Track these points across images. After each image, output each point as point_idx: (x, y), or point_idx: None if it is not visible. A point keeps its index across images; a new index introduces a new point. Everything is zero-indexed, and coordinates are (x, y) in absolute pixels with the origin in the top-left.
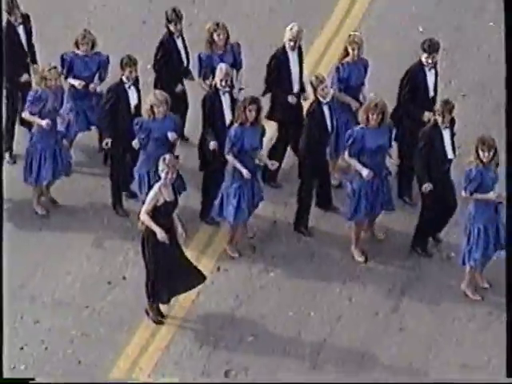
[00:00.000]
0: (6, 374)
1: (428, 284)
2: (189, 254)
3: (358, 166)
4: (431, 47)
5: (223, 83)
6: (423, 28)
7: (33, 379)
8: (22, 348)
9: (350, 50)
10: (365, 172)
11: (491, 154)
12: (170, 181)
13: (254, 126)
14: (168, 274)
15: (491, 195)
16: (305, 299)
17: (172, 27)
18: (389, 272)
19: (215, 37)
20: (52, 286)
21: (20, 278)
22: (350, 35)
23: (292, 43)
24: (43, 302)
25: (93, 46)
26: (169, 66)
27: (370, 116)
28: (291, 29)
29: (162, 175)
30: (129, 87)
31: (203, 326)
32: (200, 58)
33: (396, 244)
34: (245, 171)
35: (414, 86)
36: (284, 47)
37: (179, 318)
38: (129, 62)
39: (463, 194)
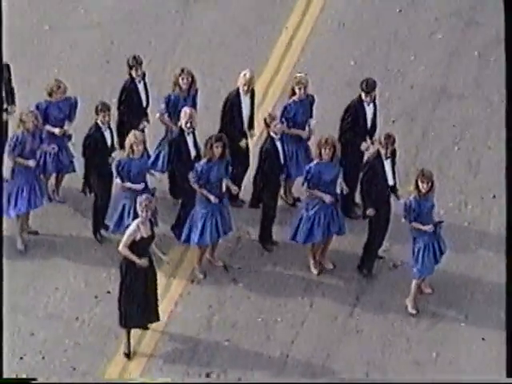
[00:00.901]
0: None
1: (379, 290)
2: (165, 268)
3: (319, 194)
4: (369, 86)
5: (188, 125)
6: (354, 62)
7: (35, 379)
8: (21, 358)
9: (296, 90)
10: (327, 198)
11: (429, 185)
12: (147, 218)
13: (220, 160)
14: (137, 304)
15: (427, 227)
16: (271, 306)
17: (133, 72)
18: (344, 280)
19: (180, 80)
20: (44, 302)
21: (14, 295)
22: (296, 76)
23: (245, 87)
24: (37, 315)
25: (64, 93)
26: (130, 108)
27: (323, 151)
28: (245, 75)
29: (139, 213)
30: (105, 130)
31: (182, 334)
32: (168, 99)
33: (349, 255)
34: (212, 197)
35: (354, 119)
36: (238, 90)
37: (161, 326)
38: (103, 108)
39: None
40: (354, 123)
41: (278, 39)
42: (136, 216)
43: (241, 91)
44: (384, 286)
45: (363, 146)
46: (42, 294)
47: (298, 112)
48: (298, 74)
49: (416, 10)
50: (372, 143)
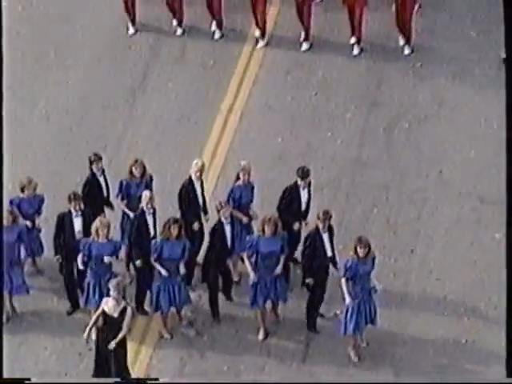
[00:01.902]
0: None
1: (326, 337)
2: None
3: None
4: (304, 173)
5: (148, 206)
6: (281, 139)
7: (28, 379)
8: None
9: (241, 176)
10: (278, 270)
11: (366, 249)
12: (119, 296)
13: (177, 240)
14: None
15: (348, 301)
16: (234, 355)
17: (94, 167)
18: (295, 329)
19: (133, 169)
20: (33, 360)
21: (8, 356)
22: (240, 163)
23: (198, 174)
24: (29, 371)
25: (35, 189)
26: (93, 198)
27: (266, 227)
28: (196, 163)
29: (111, 292)
30: (75, 216)
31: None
32: (121, 185)
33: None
34: (163, 271)
35: (289, 201)
36: (190, 178)
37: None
38: (74, 197)
39: (342, 279)
40: (289, 205)
41: (214, 121)
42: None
43: (193, 178)
44: (330, 333)
45: (295, 225)
46: (32, 353)
47: (242, 195)
48: (242, 162)
49: (328, 93)
50: (305, 224)
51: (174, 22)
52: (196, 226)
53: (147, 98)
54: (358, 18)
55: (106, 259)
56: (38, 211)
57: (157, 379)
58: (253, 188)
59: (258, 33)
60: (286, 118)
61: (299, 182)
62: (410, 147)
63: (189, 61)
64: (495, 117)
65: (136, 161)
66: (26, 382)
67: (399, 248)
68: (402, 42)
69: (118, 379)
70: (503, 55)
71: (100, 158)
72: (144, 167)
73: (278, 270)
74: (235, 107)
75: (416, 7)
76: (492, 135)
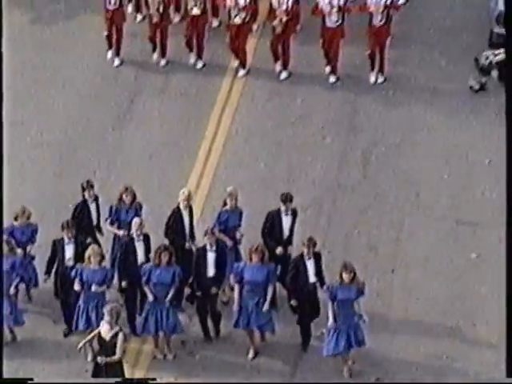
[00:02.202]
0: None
1: (314, 356)
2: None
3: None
4: (285, 198)
5: (138, 232)
6: (264, 164)
7: (31, 379)
8: None
9: (228, 201)
10: (266, 306)
11: (351, 275)
12: (112, 321)
13: (167, 267)
14: None
15: (330, 323)
16: (224, 374)
17: (86, 194)
18: (284, 348)
19: (124, 196)
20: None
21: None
22: (227, 189)
23: (185, 202)
24: None
25: (28, 218)
26: (83, 224)
27: (253, 256)
28: (183, 192)
29: (105, 317)
30: (67, 244)
31: None
32: (111, 210)
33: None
34: (150, 296)
35: (271, 226)
36: (178, 206)
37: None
38: (67, 225)
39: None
40: (271, 230)
41: (199, 147)
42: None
43: (181, 206)
44: (317, 351)
45: (278, 250)
46: (30, 373)
47: (229, 220)
48: (229, 188)
49: (307, 120)
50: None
51: (155, 56)
52: (187, 245)
53: (134, 126)
54: (335, 50)
55: (94, 288)
56: (32, 240)
57: (154, 379)
58: (241, 213)
59: (237, 63)
60: (267, 144)
61: (282, 207)
62: (387, 171)
63: (172, 90)
64: (466, 141)
65: (126, 188)
66: (29, 382)
67: (380, 268)
68: (375, 71)
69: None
70: (470, 83)
71: (92, 186)
72: (134, 194)
73: (266, 306)
74: (219, 134)
75: (388, 39)
76: (464, 158)
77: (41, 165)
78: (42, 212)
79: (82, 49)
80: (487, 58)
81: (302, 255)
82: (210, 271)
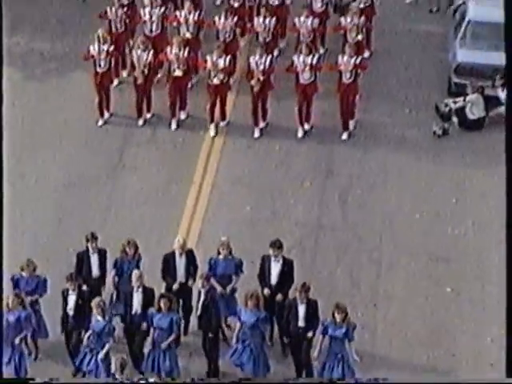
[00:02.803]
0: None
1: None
2: None
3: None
4: (275, 245)
5: (137, 283)
6: (250, 207)
7: (33, 379)
8: None
9: (220, 251)
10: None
11: (343, 315)
12: (117, 373)
13: (167, 313)
14: None
15: (315, 354)
16: None
17: (89, 245)
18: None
19: (127, 249)
20: None
21: None
22: (220, 239)
23: (180, 250)
24: None
25: (34, 271)
26: (83, 275)
27: (249, 302)
28: (178, 240)
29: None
30: (70, 294)
31: None
32: (115, 263)
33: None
34: (149, 339)
35: (261, 269)
36: (173, 252)
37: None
38: (70, 278)
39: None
40: (262, 273)
41: (188, 193)
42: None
43: (176, 253)
44: None
45: (265, 291)
46: None
47: (221, 268)
48: (223, 238)
49: (286, 166)
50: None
51: (140, 122)
52: (175, 286)
53: (127, 174)
54: (308, 103)
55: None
56: (39, 291)
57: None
58: (235, 263)
59: (218, 118)
60: (251, 189)
61: (271, 252)
62: (364, 211)
63: (160, 141)
64: (433, 182)
65: (129, 242)
66: (30, 381)
67: (364, 303)
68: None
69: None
70: (434, 128)
71: (96, 238)
72: (136, 246)
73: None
74: (206, 180)
75: (357, 96)
76: (432, 198)
77: (41, 213)
78: (42, 260)
79: (74, 104)
80: (447, 105)
81: (294, 299)
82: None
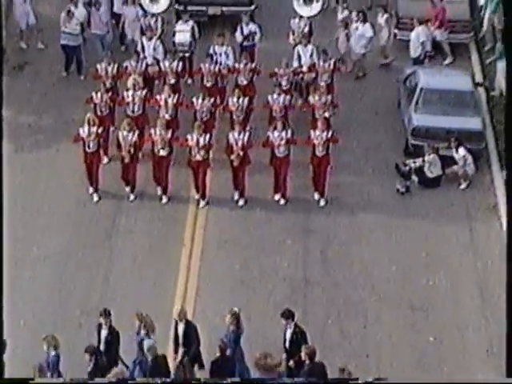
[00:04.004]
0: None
1: None
2: None
3: None
4: (285, 315)
5: (149, 353)
6: (239, 266)
7: (32, 379)
8: None
9: (227, 321)
10: None
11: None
12: None
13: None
14: None
15: None
16: None
17: (101, 320)
18: None
19: (137, 324)
20: None
21: None
22: (230, 310)
23: (179, 316)
24: None
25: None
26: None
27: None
28: (177, 309)
29: None
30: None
31: None
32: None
33: None
34: None
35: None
36: (176, 321)
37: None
38: (104, 314)
39: None
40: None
41: (181, 255)
42: None
43: (177, 319)
44: None
45: (283, 356)
46: None
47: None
48: (235, 308)
49: (268, 226)
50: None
51: (132, 197)
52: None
53: (122, 237)
54: (284, 175)
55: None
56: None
57: None
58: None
59: (197, 196)
60: (238, 249)
61: (283, 321)
62: (344, 266)
63: (149, 205)
64: (402, 236)
65: (138, 315)
66: (30, 382)
67: (356, 354)
68: (317, 195)
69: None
70: (397, 186)
71: (108, 314)
72: (145, 320)
73: None
74: (195, 242)
75: (329, 167)
76: (404, 251)
77: (43, 279)
78: (45, 326)
79: (64, 174)
80: (406, 165)
81: (300, 359)
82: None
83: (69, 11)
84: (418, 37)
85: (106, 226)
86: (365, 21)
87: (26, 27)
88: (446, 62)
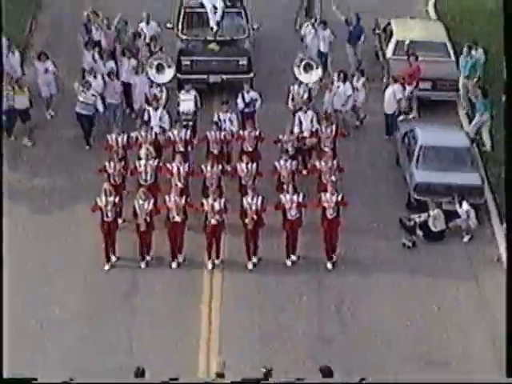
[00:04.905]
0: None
1: None
2: None
3: None
4: (323, 372)
5: None
6: (258, 325)
7: (35, 379)
8: None
9: None
10: None
11: None
12: None
13: None
14: None
15: None
16: None
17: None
18: None
19: None
20: None
21: None
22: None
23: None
24: None
25: None
26: None
27: None
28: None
29: None
30: None
31: None
32: None
33: None
34: None
35: None
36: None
37: None
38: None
39: None
40: None
41: (200, 317)
42: None
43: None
44: None
45: None
46: None
47: None
48: (267, 366)
49: (282, 285)
50: None
51: (143, 265)
52: None
53: (140, 301)
54: (295, 236)
55: None
56: None
57: None
58: None
59: (212, 259)
60: (255, 307)
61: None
62: (360, 321)
63: (165, 269)
64: (411, 291)
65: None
66: (33, 382)
67: None
68: (328, 256)
69: None
70: (403, 241)
71: (142, 375)
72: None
73: None
74: (213, 300)
75: (339, 228)
76: (419, 307)
77: (66, 341)
78: None
79: (80, 236)
80: (410, 219)
81: None
82: None
83: (86, 82)
84: (394, 94)
85: (123, 290)
86: (345, 80)
87: (49, 96)
88: (410, 116)
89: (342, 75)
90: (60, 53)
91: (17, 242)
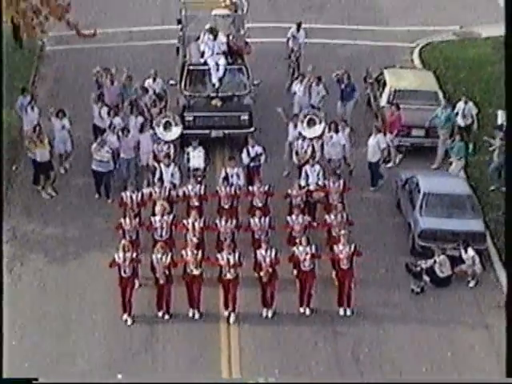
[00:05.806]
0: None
1: None
2: None
3: None
4: None
5: None
6: (278, 371)
7: (36, 379)
8: None
9: None
10: None
11: None
12: None
13: None
14: None
15: None
16: None
17: None
18: None
19: None
20: None
21: None
22: None
23: None
24: None
25: None
26: None
27: None
28: None
29: None
30: None
31: None
32: None
33: None
34: None
35: None
36: None
37: None
38: None
39: None
40: None
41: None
42: None
43: None
44: None
45: None
46: None
47: None
48: None
49: (297, 333)
50: None
51: (164, 312)
52: None
53: (160, 353)
54: (309, 288)
55: None
56: None
57: None
58: None
59: (228, 311)
60: (274, 356)
61: None
62: (376, 367)
63: (183, 323)
64: (423, 334)
65: None
66: (34, 382)
67: None
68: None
69: None
70: (412, 286)
71: None
72: None
73: None
74: (232, 352)
75: (353, 280)
76: (433, 352)
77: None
78: None
79: (98, 287)
80: (416, 266)
81: None
82: None
83: (101, 140)
84: (378, 143)
85: (142, 342)
86: (337, 131)
87: (64, 152)
88: (389, 165)
89: (333, 125)
90: (65, 105)
91: (36, 294)
